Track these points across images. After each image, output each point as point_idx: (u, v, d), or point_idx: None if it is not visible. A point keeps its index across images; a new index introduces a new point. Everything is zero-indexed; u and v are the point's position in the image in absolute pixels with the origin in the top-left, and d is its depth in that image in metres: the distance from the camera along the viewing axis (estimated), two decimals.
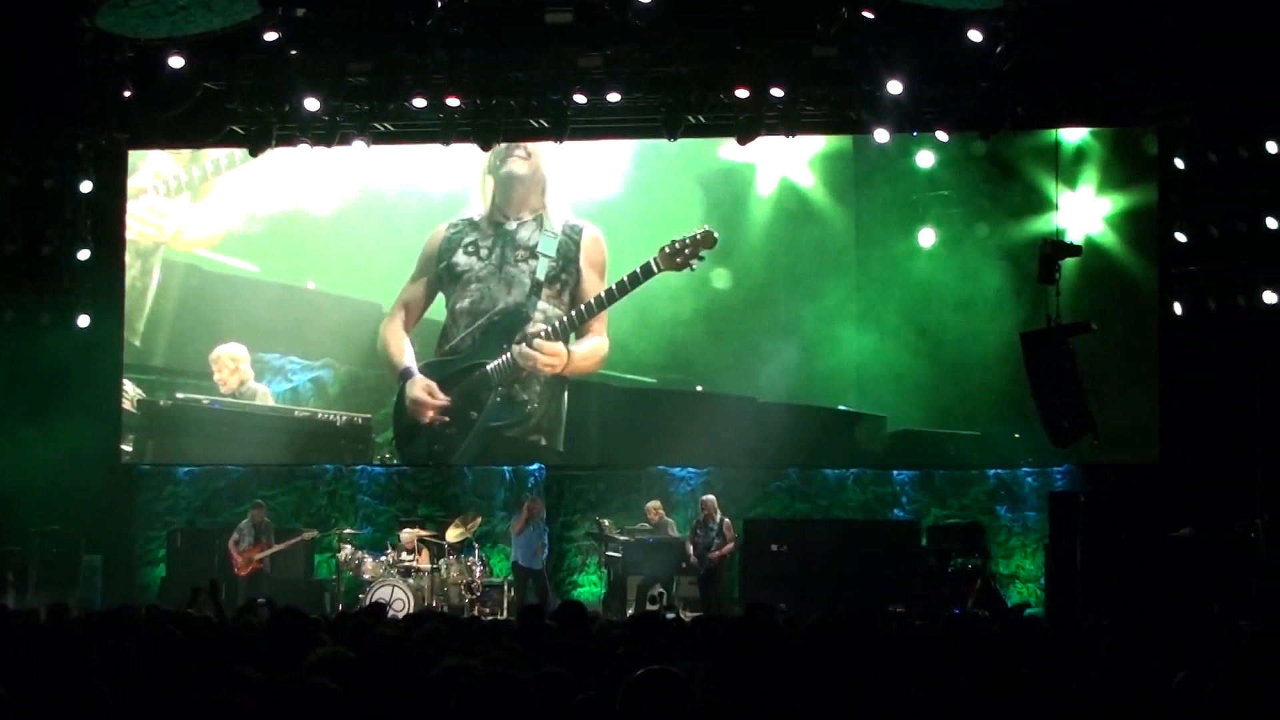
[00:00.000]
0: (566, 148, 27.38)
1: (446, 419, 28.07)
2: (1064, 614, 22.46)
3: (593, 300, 27.72)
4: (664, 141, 26.74)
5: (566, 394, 28.12)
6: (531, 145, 28.06)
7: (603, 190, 28.36)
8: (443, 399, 28.08)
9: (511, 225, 28.36)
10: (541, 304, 27.95)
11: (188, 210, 29.28)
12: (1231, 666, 7.73)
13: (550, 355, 27.83)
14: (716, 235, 27.24)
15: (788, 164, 27.71)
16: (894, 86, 24.70)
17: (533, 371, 27.86)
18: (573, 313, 27.82)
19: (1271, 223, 24.37)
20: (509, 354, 27.85)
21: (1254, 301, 24.48)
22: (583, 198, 28.35)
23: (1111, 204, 26.72)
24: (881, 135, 25.85)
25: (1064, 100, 25.92)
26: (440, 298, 28.41)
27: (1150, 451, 25.93)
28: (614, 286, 27.56)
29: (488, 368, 27.91)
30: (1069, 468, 26.37)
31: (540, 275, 28.02)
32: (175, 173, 29.29)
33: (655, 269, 27.21)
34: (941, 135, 26.00)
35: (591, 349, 27.92)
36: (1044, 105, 25.82)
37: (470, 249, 28.28)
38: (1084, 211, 26.65)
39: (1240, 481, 23.81)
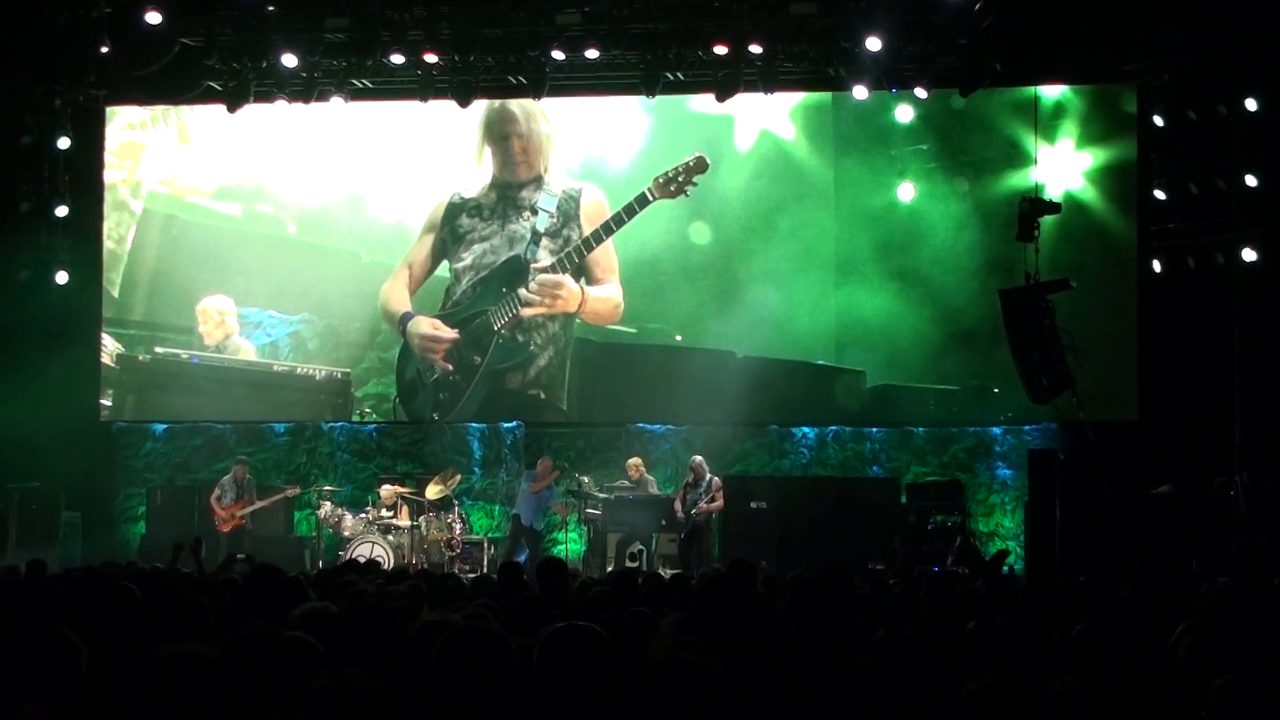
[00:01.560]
0: (565, 110, 27.42)
1: (450, 367, 28.03)
2: (1042, 571, 22.52)
3: (590, 235, 27.77)
4: (641, 97, 26.74)
5: (571, 350, 28.16)
6: (530, 107, 28.01)
7: (593, 149, 28.36)
8: (451, 332, 28.05)
9: (514, 186, 28.40)
10: (541, 253, 27.96)
11: (175, 152, 29.28)
12: (1207, 620, 7.78)
13: (556, 288, 27.84)
14: (709, 160, 27.21)
15: (768, 117, 27.68)
16: (873, 43, 24.68)
17: (541, 311, 27.86)
18: (572, 249, 27.85)
19: (1250, 180, 24.37)
20: (511, 297, 27.82)
21: (1232, 259, 24.49)
22: (576, 158, 28.36)
23: (1091, 160, 26.78)
24: (860, 92, 25.86)
25: (1043, 57, 25.88)
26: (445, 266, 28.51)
27: (1129, 409, 26.03)
28: (611, 219, 27.65)
29: (489, 312, 27.88)
30: (1048, 425, 26.41)
31: (540, 227, 28.01)
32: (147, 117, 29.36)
33: (650, 198, 27.30)
34: (920, 92, 26.01)
35: (607, 294, 27.96)
36: (1023, 62, 25.79)
37: (473, 210, 28.31)
38: (1064, 167, 26.72)
39: (1219, 439, 23.86)
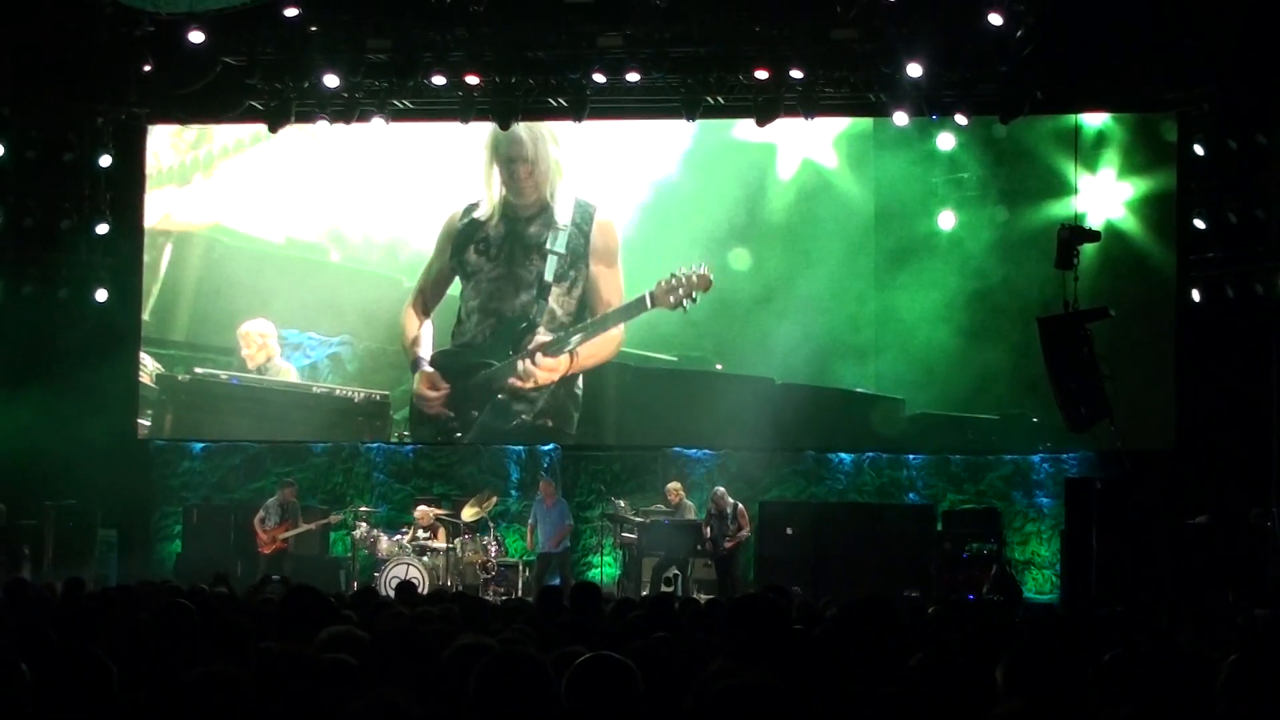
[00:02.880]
0: (584, 131, 27.37)
1: (450, 412, 28.19)
2: (1079, 600, 22.46)
3: (591, 320, 28.00)
4: (682, 122, 26.76)
5: (581, 382, 28.16)
6: (539, 130, 28.05)
7: (623, 174, 28.31)
8: (444, 389, 28.26)
9: (521, 218, 28.40)
10: (550, 304, 28.07)
11: (199, 189, 29.39)
12: (1246, 653, 7.74)
13: (549, 371, 27.97)
14: (712, 278, 27.20)
15: (810, 144, 27.68)
16: (913, 69, 24.65)
17: (532, 387, 28.01)
18: (574, 330, 28.03)
19: None
20: (514, 362, 27.96)
21: (1271, 289, 24.43)
22: (601, 182, 28.37)
23: (1131, 189, 26.70)
24: (900, 118, 25.84)
25: (1083, 85, 25.86)
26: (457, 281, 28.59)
27: (1166, 438, 25.94)
28: (610, 315, 27.89)
29: (493, 368, 28.02)
30: (1085, 454, 26.35)
31: (549, 276, 28.10)
32: (177, 160, 29.48)
33: (648, 304, 27.39)
34: (960, 119, 25.94)
35: (600, 343, 28.05)
36: (1063, 89, 25.78)
37: (481, 247, 28.39)
38: (1104, 196, 26.65)
39: (1256, 469, 23.80)
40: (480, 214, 28.48)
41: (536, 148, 28.25)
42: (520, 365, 27.95)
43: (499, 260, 28.28)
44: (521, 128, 28.01)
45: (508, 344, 28.09)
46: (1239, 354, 25.02)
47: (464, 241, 28.45)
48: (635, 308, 27.55)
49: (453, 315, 28.47)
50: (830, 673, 8.08)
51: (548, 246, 28.16)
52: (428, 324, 28.49)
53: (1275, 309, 24.41)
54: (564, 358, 27.93)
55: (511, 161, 28.32)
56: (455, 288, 28.52)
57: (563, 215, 28.25)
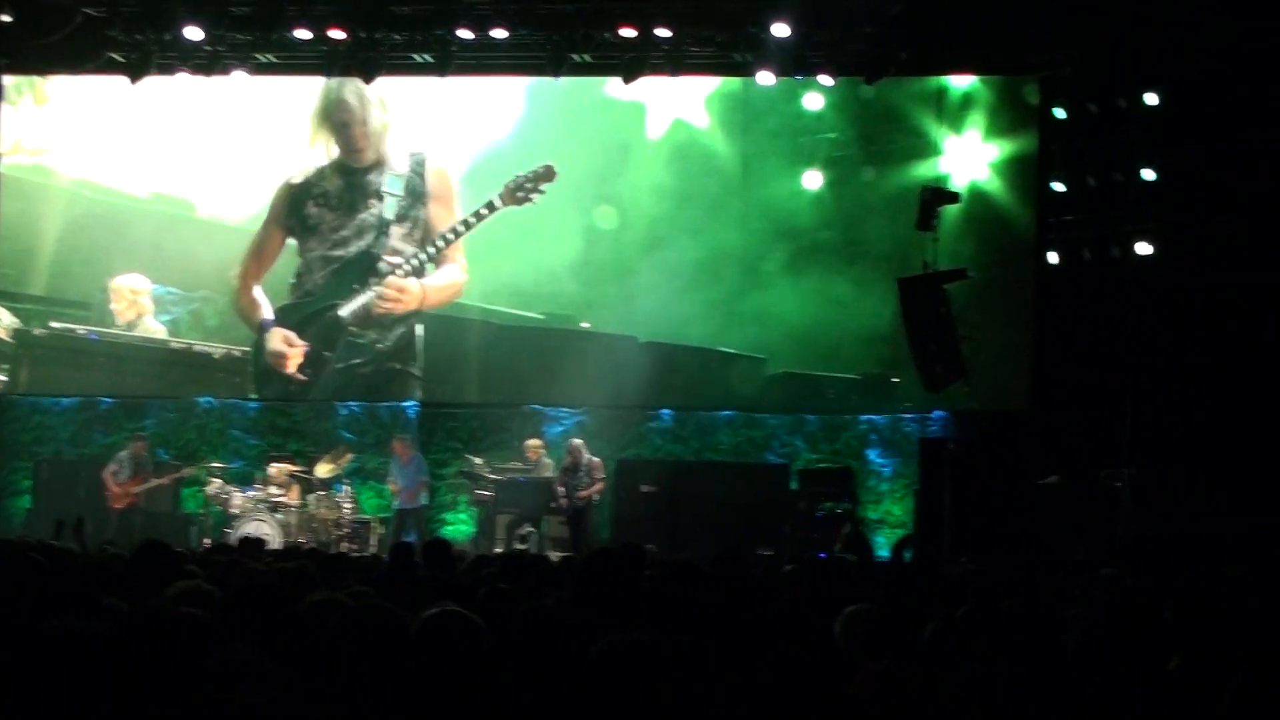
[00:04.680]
0: (443, 88, 27.29)
1: (303, 378, 28.02)
2: (931, 559, 22.62)
3: (438, 238, 27.77)
4: (550, 80, 26.72)
5: (420, 326, 28.09)
6: (364, 94, 27.93)
7: (485, 132, 28.14)
8: (301, 345, 27.99)
9: (357, 170, 28.23)
10: (392, 242, 27.94)
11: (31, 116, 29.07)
12: (1094, 611, 7.83)
13: (400, 293, 27.79)
14: (556, 170, 27.17)
15: (681, 104, 27.64)
16: (780, 29, 24.67)
17: (386, 314, 27.77)
18: (423, 253, 27.83)
19: (1148, 174, 24.63)
20: (361, 296, 27.76)
21: (1128, 252, 24.71)
22: (462, 140, 28.22)
23: (996, 151, 26.83)
24: (766, 78, 25.84)
25: (949, 47, 25.97)
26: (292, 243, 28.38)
27: (1022, 399, 26.16)
28: (459, 223, 27.71)
29: (340, 311, 27.81)
30: (941, 414, 26.54)
31: (389, 215, 27.95)
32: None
33: (498, 205, 27.32)
34: (826, 79, 25.99)
35: (448, 281, 28.00)
36: (929, 51, 25.88)
37: (320, 200, 28.16)
38: (969, 158, 26.79)
39: (1109, 431, 24.04)
40: (316, 173, 28.26)
41: (365, 110, 28.06)
42: (371, 294, 27.74)
43: (339, 209, 28.09)
44: (348, 93, 27.88)
45: (351, 282, 27.90)
46: (1095, 317, 25.25)
47: (302, 198, 28.20)
48: (486, 211, 27.51)
49: (287, 276, 28.23)
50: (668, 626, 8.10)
51: (385, 189, 27.99)
52: (258, 289, 28.20)
53: (1132, 272, 24.67)
54: (416, 286, 27.74)
55: (344, 126, 28.13)
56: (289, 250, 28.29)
57: (399, 164, 28.13)
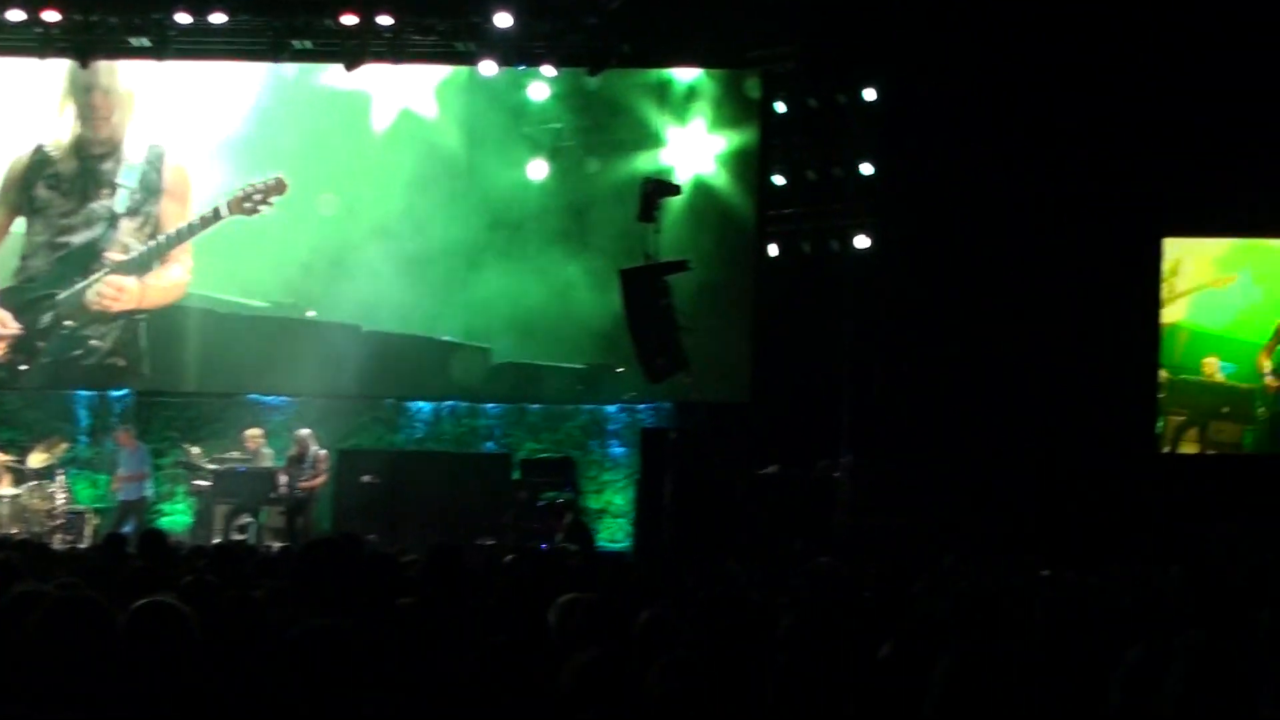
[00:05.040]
0: (166, 73, 26.70)
1: (20, 355, 27.26)
2: (652, 549, 22.77)
3: (163, 238, 27.29)
4: (273, 66, 26.47)
5: (144, 323, 27.50)
6: (116, 67, 27.25)
7: (208, 119, 27.63)
8: (15, 328, 27.25)
9: (93, 155, 27.54)
10: (120, 236, 27.33)
11: None
12: (804, 605, 7.92)
13: (119, 291, 27.26)
14: (287, 183, 26.89)
15: (410, 94, 27.45)
16: (502, 19, 24.63)
17: (102, 309, 27.20)
18: (147, 245, 27.28)
19: (866, 168, 25.04)
20: (79, 288, 27.16)
21: (846, 246, 25.09)
22: (185, 125, 27.64)
23: (720, 144, 27.04)
24: (489, 68, 25.78)
25: (672, 40, 26.15)
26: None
27: (742, 390, 26.43)
28: (185, 227, 27.23)
29: (58, 298, 27.18)
30: (662, 405, 26.71)
31: (119, 208, 27.37)
32: None
33: (224, 213, 26.93)
34: (549, 70, 26.01)
35: (171, 282, 27.45)
36: (652, 44, 26.04)
37: (52, 182, 27.43)
38: (694, 150, 26.98)
39: (827, 421, 24.38)
40: (51, 150, 27.50)
41: (112, 78, 27.37)
42: (90, 290, 27.14)
43: (71, 195, 27.39)
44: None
45: (75, 274, 27.25)
46: (814, 309, 25.60)
47: (33, 178, 27.42)
48: (210, 219, 27.07)
49: (13, 257, 27.52)
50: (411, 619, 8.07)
51: (118, 180, 27.40)
52: None
53: (849, 266, 25.06)
54: (134, 285, 27.22)
55: (89, 90, 27.33)
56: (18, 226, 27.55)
57: (134, 154, 27.49)
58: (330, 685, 5.86)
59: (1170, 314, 25.72)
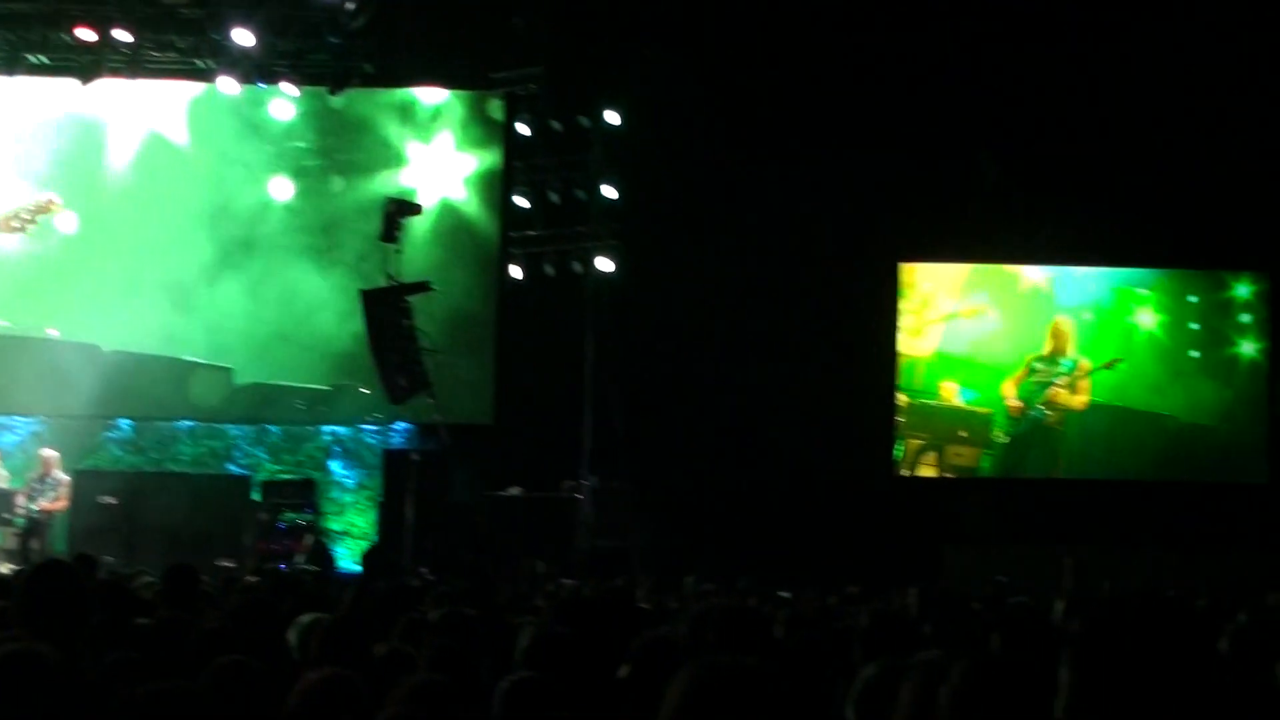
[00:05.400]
0: None
1: None
2: (392, 569, 22.68)
3: None
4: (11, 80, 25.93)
5: None
6: None
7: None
8: None
9: None
10: None
11: None
12: (543, 624, 7.96)
13: None
14: (57, 202, 26.34)
15: (155, 111, 27.04)
16: (242, 37, 24.44)
17: None
18: None
19: (608, 191, 25.19)
20: None
21: (589, 267, 25.24)
22: None
23: (465, 165, 27.09)
24: (229, 85, 25.56)
25: (416, 60, 26.13)
26: None
27: (485, 412, 26.44)
28: None
29: None
30: (406, 426, 26.63)
31: None
32: None
33: None
34: (290, 88, 25.83)
35: None
36: (395, 64, 25.99)
37: None
38: (440, 171, 27.01)
39: (569, 443, 24.47)
40: None
41: None
42: None
43: None
44: None
45: None
46: (556, 331, 25.71)
47: None
48: None
49: None
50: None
51: None
52: None
53: (592, 288, 25.18)
54: None
55: None
56: None
57: None
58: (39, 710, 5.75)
59: (926, 344, 26.16)
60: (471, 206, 27.13)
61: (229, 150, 27.09)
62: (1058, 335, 26.01)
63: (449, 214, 26.80)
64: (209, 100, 27.02)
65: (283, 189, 27.10)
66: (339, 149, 27.33)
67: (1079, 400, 25.86)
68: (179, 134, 27.19)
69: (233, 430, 27.45)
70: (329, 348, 26.71)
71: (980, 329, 26.29)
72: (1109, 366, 25.88)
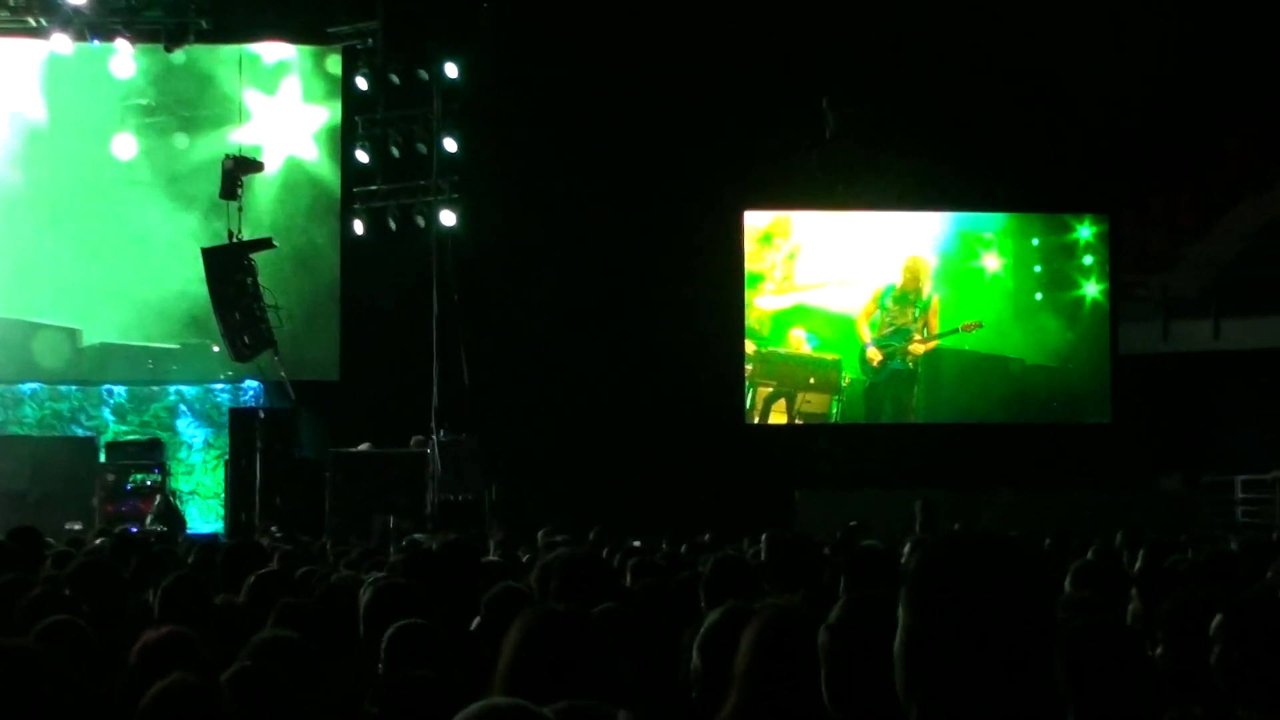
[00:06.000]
0: None
1: None
2: (242, 529, 22.56)
3: None
4: None
5: None
6: None
7: None
8: None
9: None
10: None
11: None
12: (391, 577, 7.95)
13: None
14: None
15: (9, 75, 26.76)
16: None
17: None
18: None
19: (450, 144, 25.08)
20: None
21: (431, 222, 25.14)
22: None
23: (309, 120, 26.96)
24: (62, 43, 25.16)
25: (252, 15, 25.88)
26: None
27: (332, 368, 26.31)
28: None
29: None
30: (252, 384, 26.46)
31: None
32: None
33: None
34: (124, 45, 25.43)
35: None
36: (232, 19, 25.72)
37: None
38: (284, 126, 26.87)
39: (417, 398, 24.38)
40: None
41: None
42: None
43: None
44: None
45: None
46: (402, 286, 25.59)
47: None
48: None
49: None
50: None
51: None
52: None
53: (436, 242, 25.09)
54: None
55: None
56: None
57: None
58: None
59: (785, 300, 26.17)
60: (316, 162, 27.00)
61: (71, 108, 26.76)
62: (913, 272, 26.03)
63: (296, 169, 26.68)
64: (50, 58, 26.63)
65: (126, 146, 26.72)
66: (182, 105, 27.07)
67: (928, 346, 25.98)
68: (21, 90, 26.78)
69: (77, 392, 27.14)
70: (179, 306, 26.43)
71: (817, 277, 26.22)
72: (968, 329, 25.99)
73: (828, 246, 26.09)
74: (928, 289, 25.98)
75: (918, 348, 25.93)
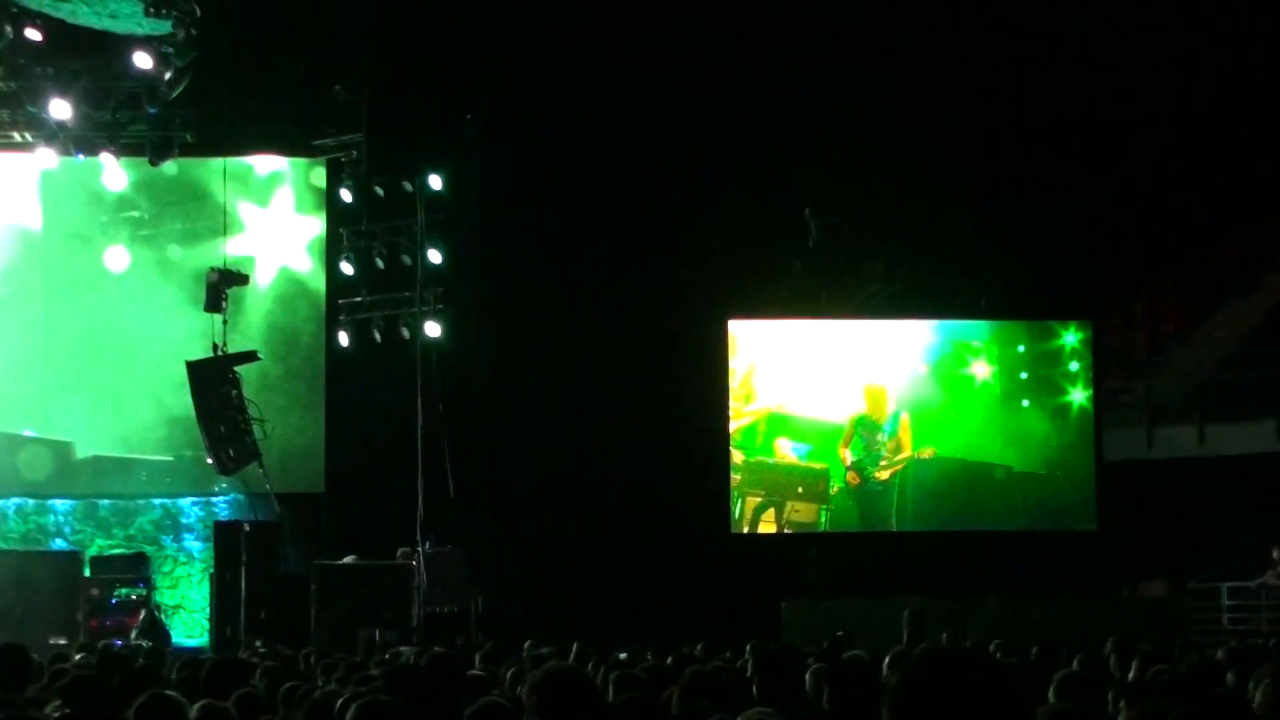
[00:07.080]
0: None
1: None
2: (227, 643, 22.44)
3: None
4: None
5: None
6: None
7: None
8: None
9: None
10: None
11: None
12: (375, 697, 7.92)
13: None
14: None
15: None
16: (60, 109, 24.22)
17: None
18: None
19: (434, 256, 25.13)
20: None
21: (416, 333, 25.13)
22: None
23: (298, 232, 27.01)
24: (48, 158, 25.28)
25: (237, 128, 25.98)
26: None
27: (317, 480, 26.23)
28: None
29: None
30: (236, 496, 26.37)
31: None
32: None
33: None
34: (109, 159, 25.53)
35: None
36: (216, 132, 25.80)
37: None
38: (277, 237, 26.96)
39: (402, 509, 24.31)
40: None
41: None
42: None
43: None
44: None
45: None
46: (386, 396, 25.58)
47: None
48: None
49: None
50: None
51: None
52: None
53: (421, 352, 25.08)
54: None
55: None
56: None
57: None
58: None
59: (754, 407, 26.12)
60: (302, 273, 27.03)
61: (64, 221, 26.84)
62: (874, 399, 26.02)
63: (289, 280, 26.77)
64: (46, 172, 26.72)
65: (118, 260, 26.78)
66: (174, 218, 27.13)
67: (891, 471, 25.94)
68: (15, 204, 26.83)
69: (61, 505, 27.04)
70: (172, 418, 26.36)
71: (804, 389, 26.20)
72: (922, 456, 26.00)
73: (785, 363, 26.09)
74: (889, 411, 25.94)
75: (882, 474, 25.91)
